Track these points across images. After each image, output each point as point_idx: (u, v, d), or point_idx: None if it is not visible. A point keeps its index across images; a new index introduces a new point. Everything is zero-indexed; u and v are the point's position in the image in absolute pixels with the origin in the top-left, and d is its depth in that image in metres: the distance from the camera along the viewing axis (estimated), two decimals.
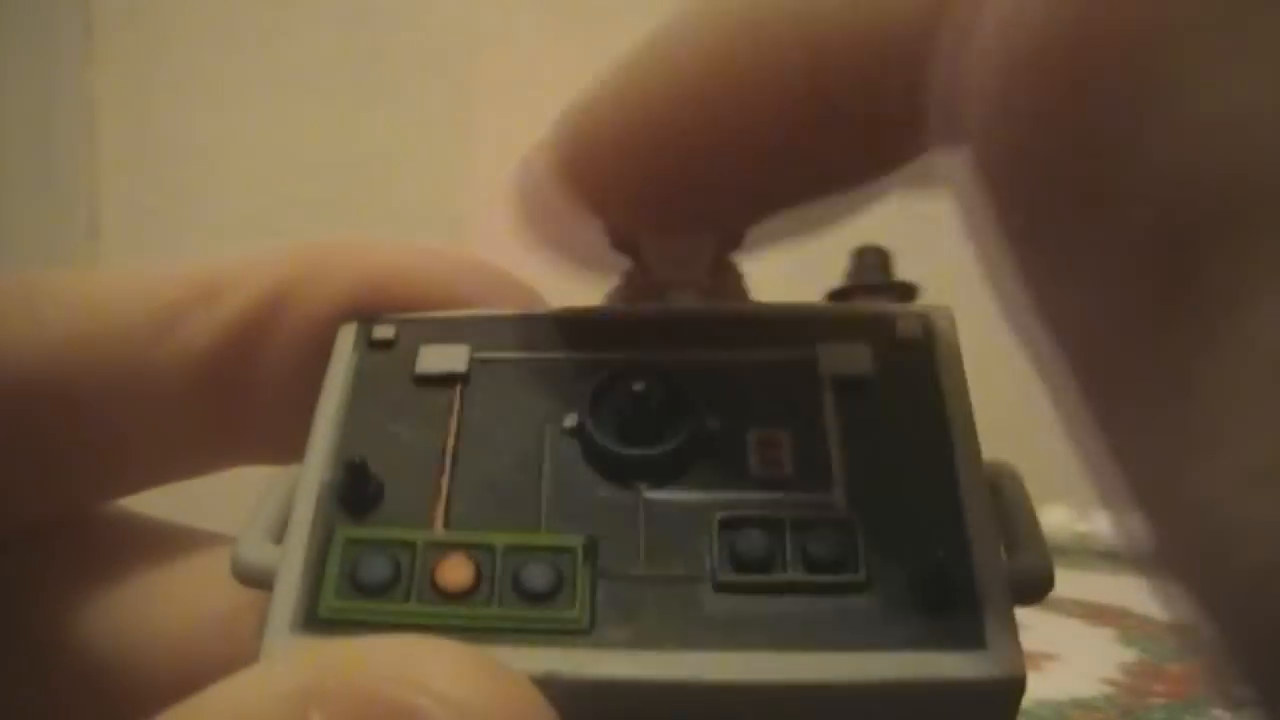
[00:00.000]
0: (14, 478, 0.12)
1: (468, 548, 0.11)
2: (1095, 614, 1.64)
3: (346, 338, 0.13)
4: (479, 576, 0.11)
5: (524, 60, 2.19)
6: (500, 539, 0.11)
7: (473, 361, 0.13)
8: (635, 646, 0.10)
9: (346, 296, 0.13)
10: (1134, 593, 1.72)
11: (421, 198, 2.18)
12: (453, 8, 2.23)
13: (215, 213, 2.16)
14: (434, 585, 0.11)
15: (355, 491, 0.12)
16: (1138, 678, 1.04)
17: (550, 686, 0.10)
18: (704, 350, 0.12)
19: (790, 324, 0.13)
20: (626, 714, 0.11)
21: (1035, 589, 0.11)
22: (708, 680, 0.10)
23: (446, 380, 0.13)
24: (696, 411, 0.12)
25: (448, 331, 0.14)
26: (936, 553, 0.11)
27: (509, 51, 2.21)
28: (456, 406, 0.13)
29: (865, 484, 0.11)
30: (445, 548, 0.12)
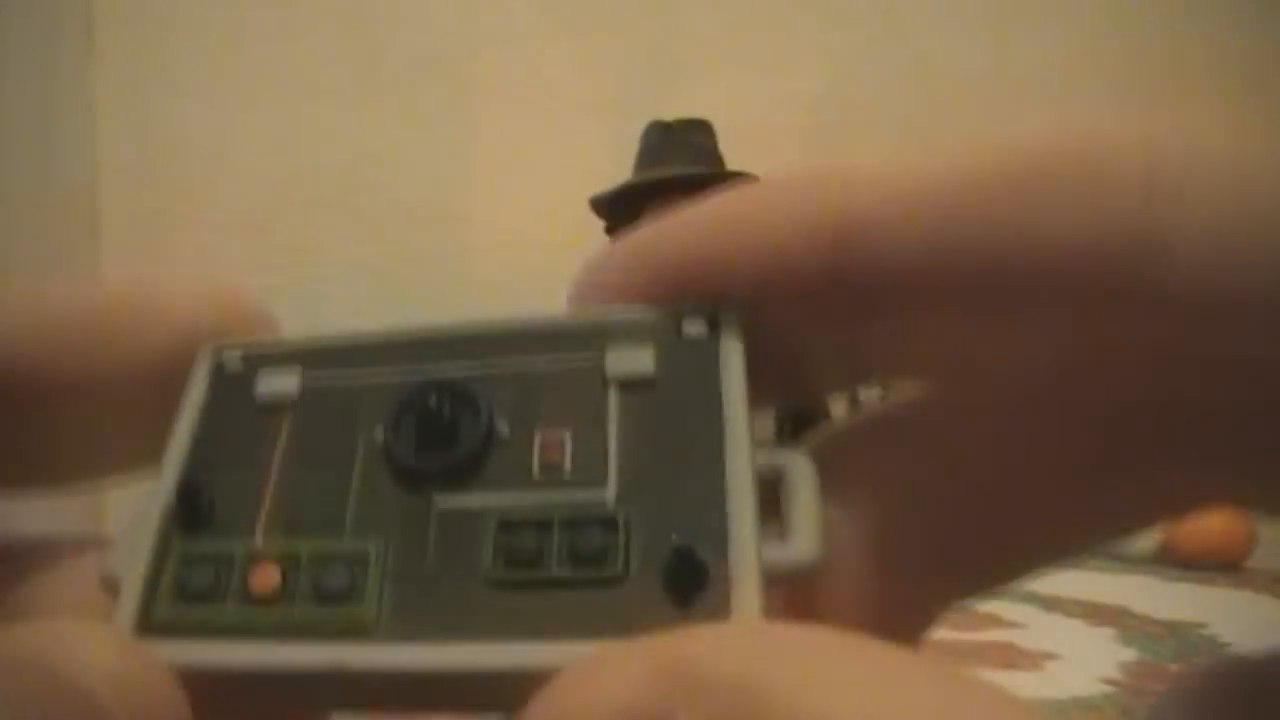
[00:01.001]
0: None
1: (278, 557, 0.13)
2: (1095, 614, 1.64)
3: (202, 363, 0.15)
4: (285, 582, 0.13)
5: (524, 60, 2.20)
6: (306, 547, 0.13)
7: (304, 385, 0.15)
8: (411, 640, 0.12)
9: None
10: (1134, 593, 1.72)
11: (421, 198, 2.18)
12: (453, 8, 2.24)
13: (215, 213, 2.17)
14: (247, 591, 0.13)
15: (190, 510, 0.13)
16: (1137, 677, 1.04)
17: (338, 677, 0.12)
18: (504, 360, 0.13)
19: (586, 330, 0.14)
20: (410, 699, 0.12)
21: (796, 570, 0.12)
22: (466, 667, 0.11)
23: (280, 404, 0.15)
24: (488, 419, 0.13)
25: (285, 356, 0.15)
26: (684, 541, 0.12)
27: (509, 51, 2.21)
28: (286, 429, 0.14)
29: (636, 480, 0.12)
30: (259, 557, 0.13)
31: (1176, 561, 1.69)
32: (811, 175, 0.13)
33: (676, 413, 0.13)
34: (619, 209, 0.84)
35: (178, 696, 0.12)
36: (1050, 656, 1.20)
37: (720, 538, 0.11)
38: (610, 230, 0.86)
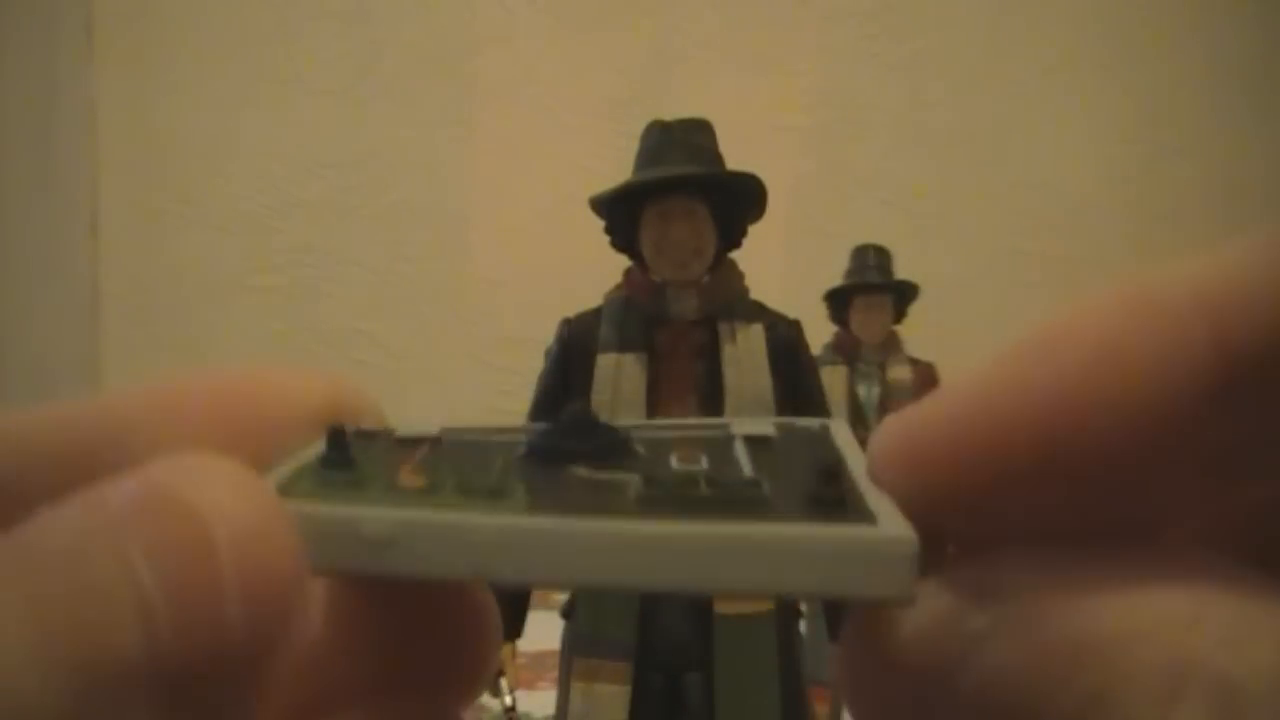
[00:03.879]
0: None
1: (424, 474, 0.14)
2: None
3: (319, 436, 0.15)
4: (431, 484, 0.13)
5: (524, 60, 2.20)
6: (451, 477, 0.13)
7: (443, 431, 0.16)
8: (565, 513, 0.12)
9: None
10: None
11: (421, 198, 2.18)
12: (453, 8, 2.24)
13: (215, 212, 2.17)
14: (393, 483, 0.14)
15: (335, 455, 0.14)
16: None
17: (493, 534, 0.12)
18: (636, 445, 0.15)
19: (709, 423, 0.16)
20: (546, 573, 0.12)
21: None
22: (628, 535, 0.11)
23: (420, 438, 0.15)
24: (625, 437, 0.14)
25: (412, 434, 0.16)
26: (824, 466, 0.12)
27: (509, 51, 2.21)
28: (426, 446, 0.15)
29: (768, 470, 0.13)
30: (405, 474, 0.14)
31: None
32: (1177, 293, 0.11)
33: (796, 451, 0.14)
34: (619, 209, 0.84)
35: (296, 553, 0.12)
36: None
37: (849, 489, 0.12)
38: (610, 230, 0.86)
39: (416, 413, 0.16)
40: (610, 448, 0.13)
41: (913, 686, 0.11)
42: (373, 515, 0.12)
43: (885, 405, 1.30)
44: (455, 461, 0.14)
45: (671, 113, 0.87)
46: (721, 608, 0.78)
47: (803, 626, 0.89)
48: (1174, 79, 2.09)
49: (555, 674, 0.84)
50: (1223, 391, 0.11)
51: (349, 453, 0.14)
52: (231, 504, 0.11)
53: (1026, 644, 0.10)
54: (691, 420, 0.15)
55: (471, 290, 2.12)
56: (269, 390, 0.15)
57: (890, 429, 0.13)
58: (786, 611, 0.82)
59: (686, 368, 0.83)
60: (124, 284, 2.10)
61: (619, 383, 0.81)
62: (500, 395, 1.93)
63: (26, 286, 1.92)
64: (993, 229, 2.09)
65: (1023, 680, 0.10)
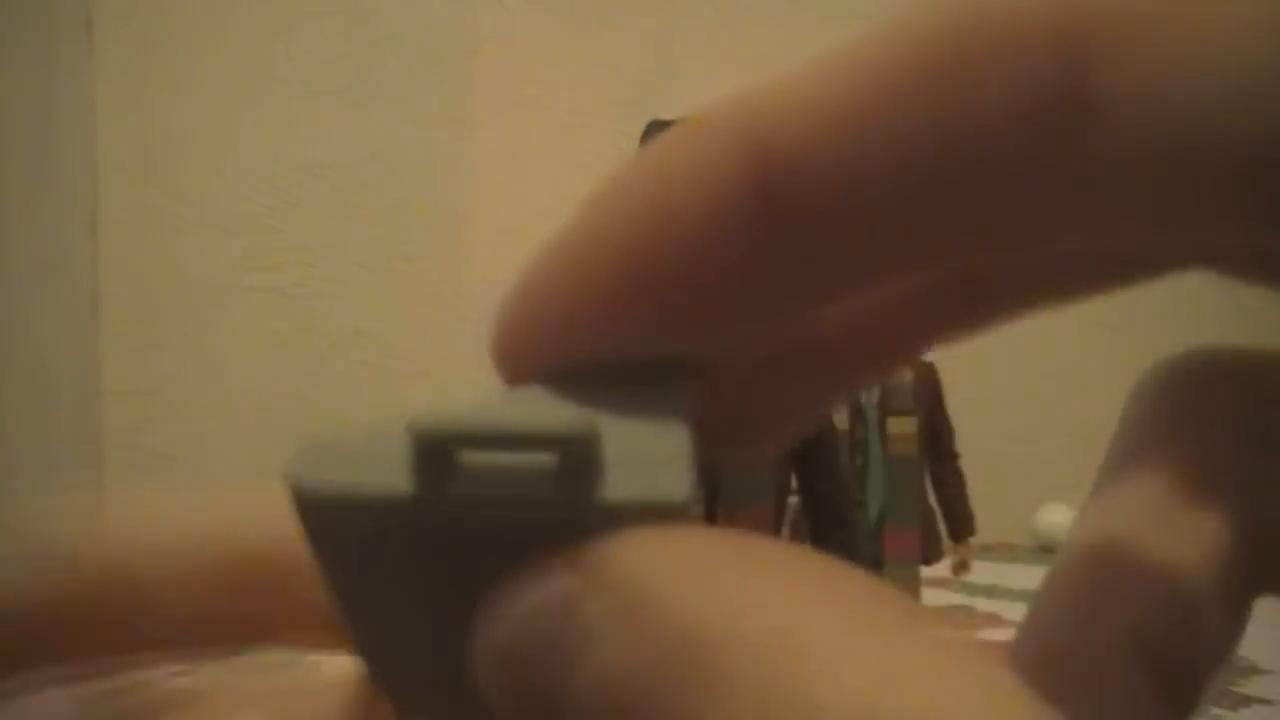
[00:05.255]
0: (79, 637, 0.14)
1: None
2: None
3: None
4: None
5: (524, 60, 2.20)
6: None
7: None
8: None
9: None
10: None
11: (421, 198, 2.18)
12: (453, 8, 2.24)
13: (215, 213, 2.17)
14: None
15: None
16: None
17: None
18: None
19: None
20: None
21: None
22: None
23: None
24: None
25: None
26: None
27: (509, 51, 2.21)
28: None
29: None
30: None
31: None
32: (723, 115, 0.11)
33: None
34: None
35: None
36: None
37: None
38: None
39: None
40: None
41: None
42: None
43: (885, 405, 1.31)
44: None
45: (671, 113, 0.87)
46: None
47: None
48: None
49: None
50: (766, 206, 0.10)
51: None
52: None
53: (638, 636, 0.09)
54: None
55: (471, 290, 2.12)
56: None
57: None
58: None
59: None
60: (124, 284, 2.10)
61: None
62: None
63: (26, 286, 1.92)
64: None
65: (633, 679, 0.09)
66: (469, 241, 2.14)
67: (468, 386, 1.85)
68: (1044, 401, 2.25)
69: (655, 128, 0.87)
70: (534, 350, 0.12)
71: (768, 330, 0.11)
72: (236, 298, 2.11)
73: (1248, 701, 1.20)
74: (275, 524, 0.13)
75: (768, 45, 2.14)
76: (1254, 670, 1.25)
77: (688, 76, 2.12)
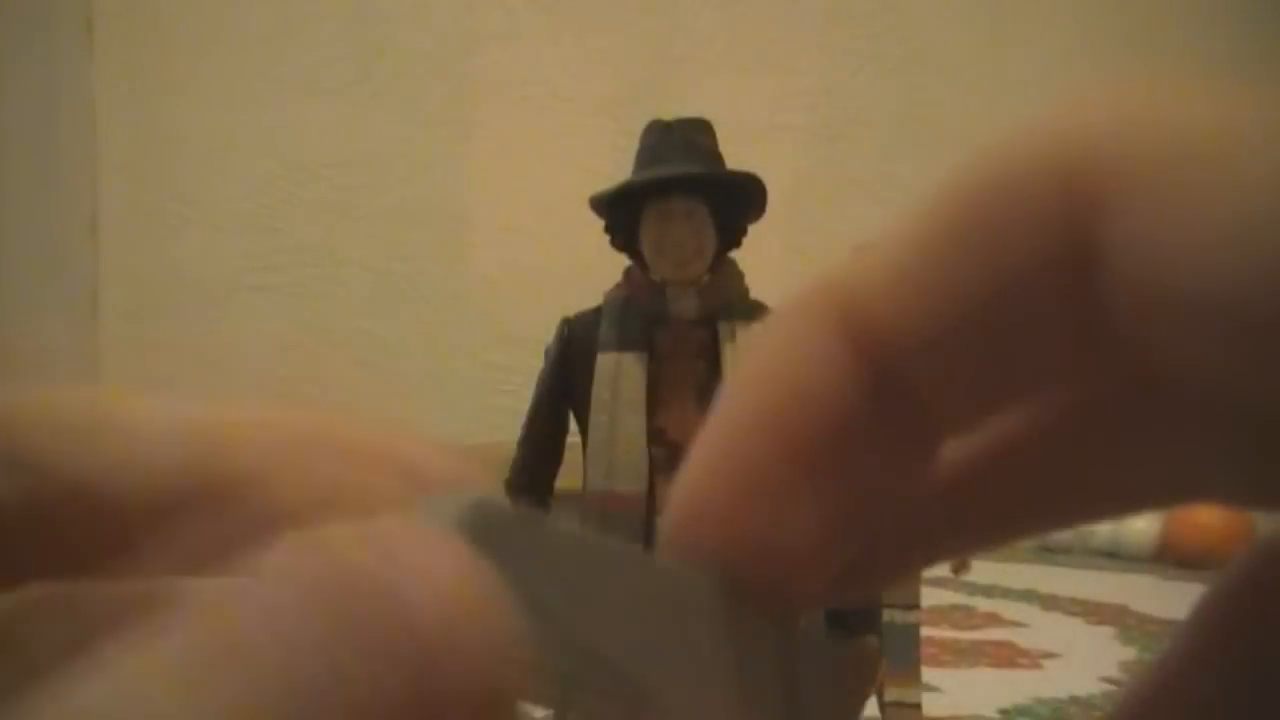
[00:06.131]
0: (38, 548, 0.13)
1: None
2: (1094, 612, 1.63)
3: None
4: None
5: (524, 60, 2.20)
6: None
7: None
8: None
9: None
10: (1134, 591, 1.72)
11: (421, 198, 2.18)
12: (453, 8, 2.24)
13: (215, 213, 2.17)
14: None
15: None
16: None
17: None
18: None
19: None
20: None
21: None
22: None
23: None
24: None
25: None
26: None
27: (509, 51, 2.21)
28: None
29: None
30: None
31: (1176, 560, 1.69)
32: (814, 296, 0.12)
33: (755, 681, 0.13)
34: (619, 209, 0.84)
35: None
36: (1050, 655, 1.20)
37: None
38: (610, 230, 0.86)
39: (415, 413, 0.14)
40: None
41: None
42: None
43: None
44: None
45: (671, 113, 0.87)
46: None
47: None
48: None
49: None
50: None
51: None
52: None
53: None
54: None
55: (471, 290, 2.12)
56: (412, 462, 0.13)
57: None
58: None
59: (687, 368, 0.83)
60: (124, 284, 2.10)
61: (619, 382, 0.81)
62: (500, 395, 1.93)
63: (26, 286, 1.92)
64: None
65: None
66: (469, 241, 2.14)
67: (467, 386, 1.83)
68: None
69: (655, 128, 0.87)
70: (709, 532, 0.13)
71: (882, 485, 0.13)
72: (236, 298, 2.11)
73: None
74: (268, 431, 0.13)
75: (768, 45, 2.14)
76: None
77: (688, 76, 2.12)
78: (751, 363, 0.12)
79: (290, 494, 0.12)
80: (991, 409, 0.12)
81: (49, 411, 0.13)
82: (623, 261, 0.86)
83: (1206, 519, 1.63)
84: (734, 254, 0.85)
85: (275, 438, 0.13)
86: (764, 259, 0.89)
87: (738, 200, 0.83)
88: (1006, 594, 1.58)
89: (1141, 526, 1.74)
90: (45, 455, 0.12)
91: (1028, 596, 1.52)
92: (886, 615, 0.83)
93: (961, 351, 0.11)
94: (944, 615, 1.37)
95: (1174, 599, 1.39)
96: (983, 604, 1.54)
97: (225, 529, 0.13)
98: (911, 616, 0.85)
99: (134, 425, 0.13)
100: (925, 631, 0.84)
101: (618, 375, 0.82)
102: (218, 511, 0.13)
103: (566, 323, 0.86)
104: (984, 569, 1.52)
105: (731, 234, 0.84)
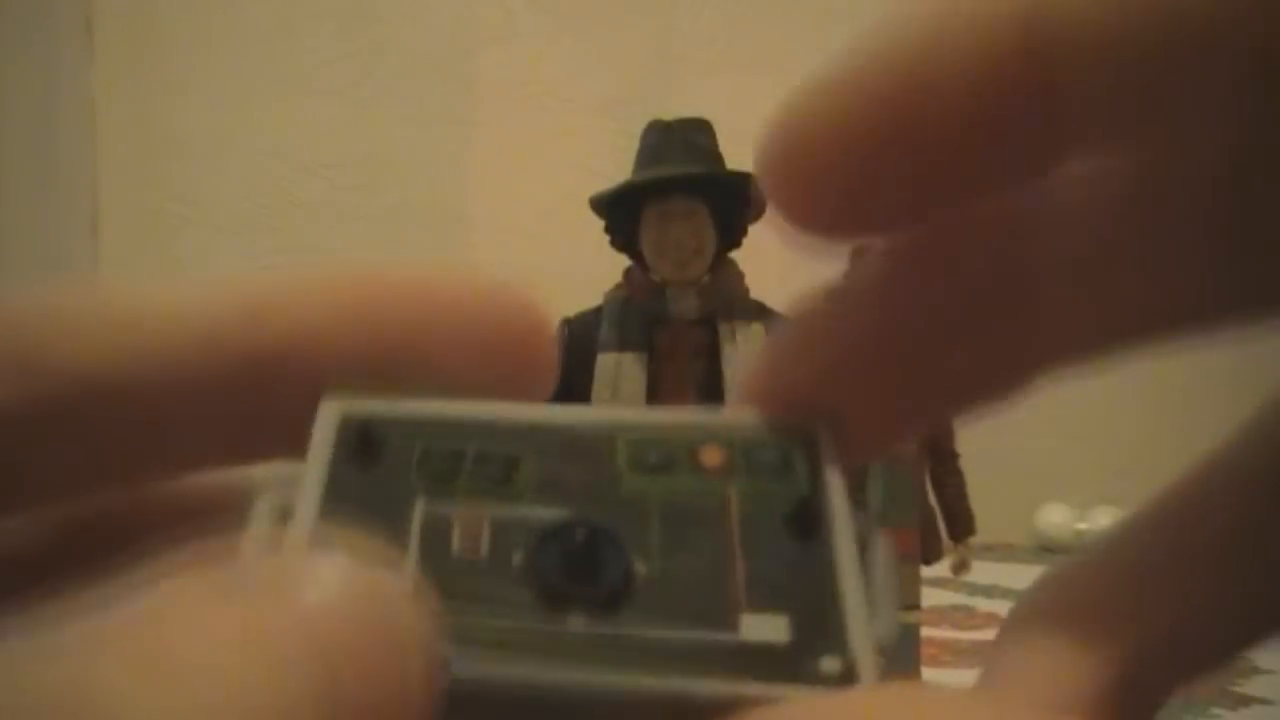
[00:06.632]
0: (62, 460, 0.12)
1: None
2: None
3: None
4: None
5: (524, 60, 2.20)
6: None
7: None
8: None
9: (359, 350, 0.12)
10: None
11: (421, 198, 2.18)
12: (453, 8, 2.24)
13: (215, 212, 2.17)
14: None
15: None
16: None
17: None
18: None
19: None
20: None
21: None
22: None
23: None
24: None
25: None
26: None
27: (509, 51, 2.21)
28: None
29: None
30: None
31: None
32: None
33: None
34: (618, 209, 0.84)
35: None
36: None
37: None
38: (610, 230, 0.86)
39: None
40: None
41: None
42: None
43: None
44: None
45: (671, 113, 0.87)
46: None
47: None
48: None
49: None
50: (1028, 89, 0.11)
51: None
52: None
53: None
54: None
55: None
56: (437, 304, 0.13)
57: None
58: None
59: (686, 367, 0.83)
60: (124, 284, 2.10)
61: (619, 382, 0.81)
62: None
63: (26, 286, 1.92)
64: None
65: None
66: (469, 241, 2.14)
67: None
68: (1044, 401, 2.25)
69: (655, 128, 0.87)
70: (802, 175, 0.12)
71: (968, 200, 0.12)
72: None
73: (1248, 701, 1.20)
74: (292, 312, 0.12)
75: (768, 45, 2.14)
76: (1254, 670, 1.25)
77: (688, 76, 2.12)
78: (908, 26, 0.12)
79: (347, 348, 0.12)
80: (1130, 133, 0.11)
81: (56, 310, 0.12)
82: (623, 262, 0.86)
83: None
84: (734, 254, 0.85)
85: (319, 297, 0.12)
86: (764, 259, 0.89)
87: (738, 200, 0.83)
88: (1006, 594, 1.58)
89: None
90: (56, 355, 0.12)
91: None
92: None
93: (1134, 62, 0.11)
94: (944, 615, 1.37)
95: None
96: (983, 604, 1.54)
97: (270, 405, 0.12)
98: (911, 616, 0.85)
99: (150, 310, 0.12)
100: (925, 631, 0.84)
101: (618, 375, 0.82)
102: (260, 386, 0.12)
103: (566, 323, 0.86)
104: (984, 569, 1.52)
105: (731, 234, 0.84)
